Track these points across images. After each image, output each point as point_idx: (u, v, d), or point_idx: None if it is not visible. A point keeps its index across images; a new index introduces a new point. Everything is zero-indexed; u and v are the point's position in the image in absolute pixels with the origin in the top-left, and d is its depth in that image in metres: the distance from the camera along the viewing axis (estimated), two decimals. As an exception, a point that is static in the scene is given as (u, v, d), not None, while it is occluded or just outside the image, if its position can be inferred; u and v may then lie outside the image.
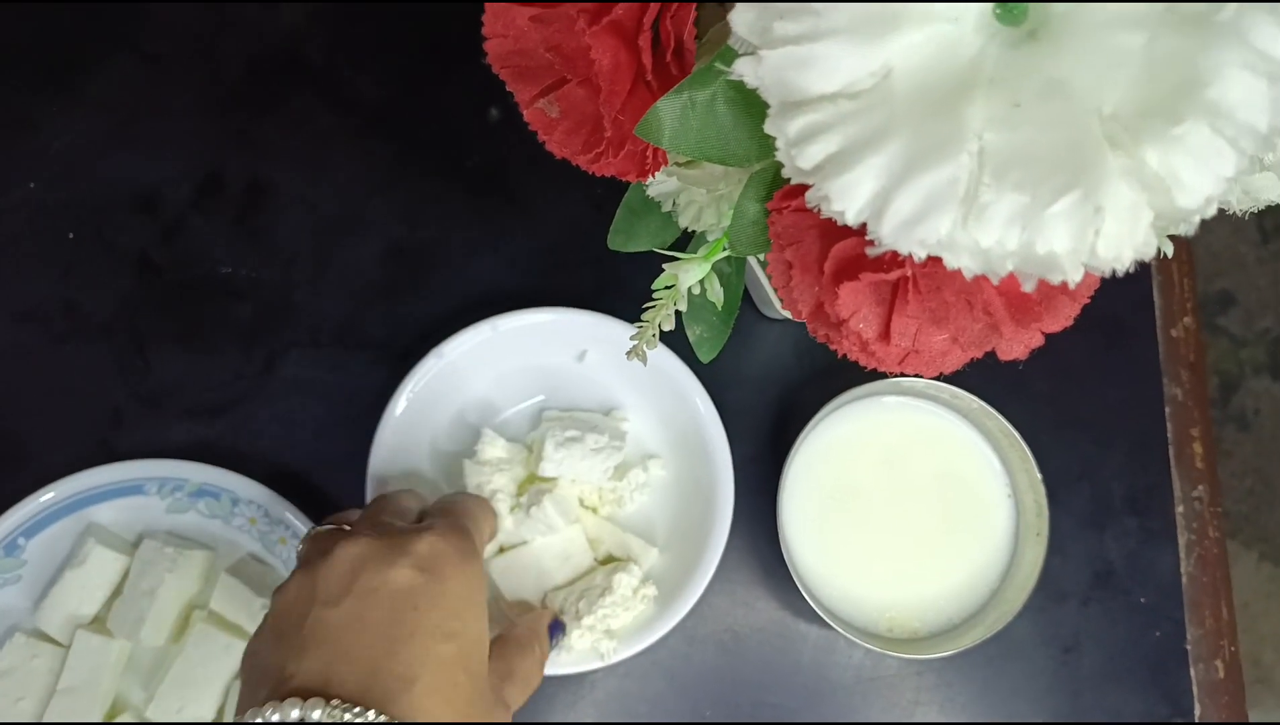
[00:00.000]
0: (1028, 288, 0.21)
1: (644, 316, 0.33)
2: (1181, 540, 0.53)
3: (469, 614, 0.34)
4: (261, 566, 0.50)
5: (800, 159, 0.21)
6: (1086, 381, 0.54)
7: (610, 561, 0.51)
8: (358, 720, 0.29)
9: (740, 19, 0.21)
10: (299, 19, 0.57)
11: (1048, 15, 0.21)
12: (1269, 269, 1.24)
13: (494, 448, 0.50)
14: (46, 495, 0.49)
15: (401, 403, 0.49)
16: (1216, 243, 1.25)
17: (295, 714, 0.29)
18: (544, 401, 0.53)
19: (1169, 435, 0.54)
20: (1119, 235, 0.20)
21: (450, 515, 0.39)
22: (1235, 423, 1.22)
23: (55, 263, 0.54)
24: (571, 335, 0.51)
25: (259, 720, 0.29)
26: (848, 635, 0.47)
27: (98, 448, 0.52)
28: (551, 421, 0.51)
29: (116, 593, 0.49)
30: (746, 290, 0.53)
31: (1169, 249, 0.29)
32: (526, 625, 0.43)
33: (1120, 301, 0.54)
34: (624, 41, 0.27)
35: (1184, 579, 0.52)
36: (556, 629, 0.45)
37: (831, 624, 0.47)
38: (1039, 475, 0.49)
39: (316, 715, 0.29)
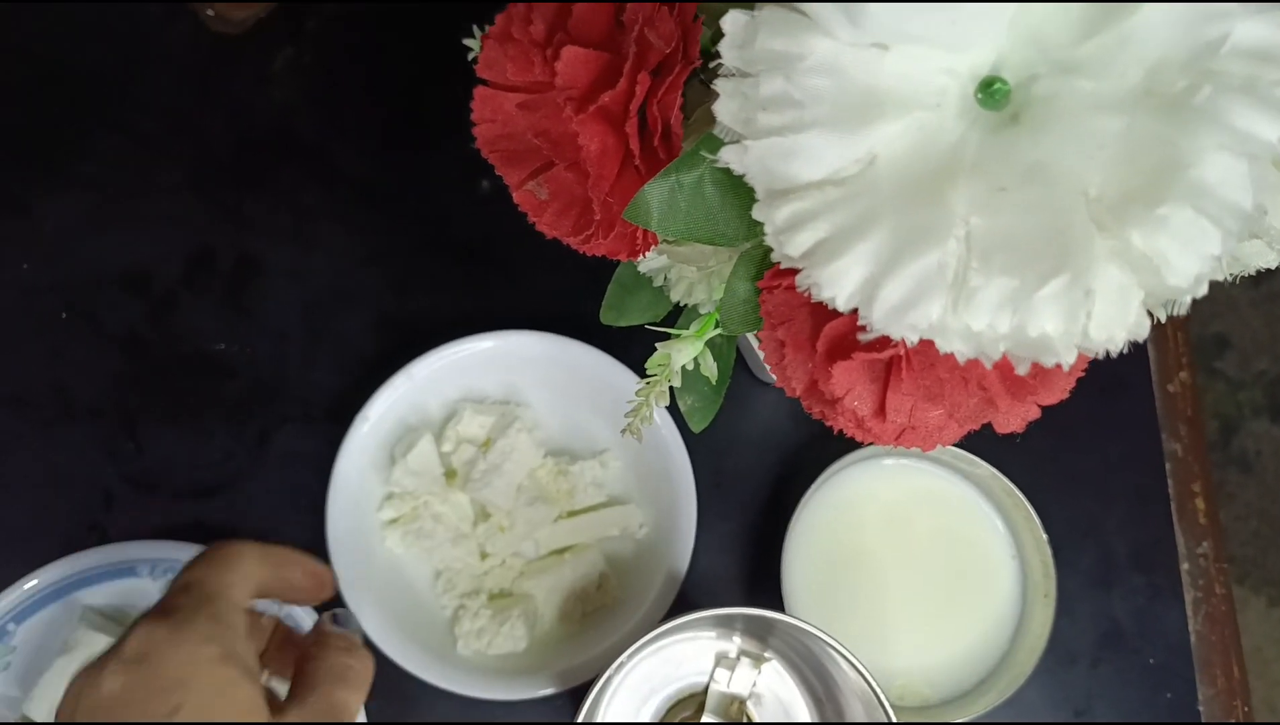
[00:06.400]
0: (1021, 370, 0.21)
1: (638, 393, 0.32)
2: (1188, 598, 0.52)
3: (194, 674, 0.33)
4: (255, 649, 0.49)
5: (789, 246, 0.21)
6: (1085, 438, 0.54)
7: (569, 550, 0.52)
8: None
9: (724, 109, 0.22)
10: (288, 95, 0.57)
11: (1029, 99, 0.22)
12: (1262, 311, 1.25)
13: (470, 424, 0.51)
14: (31, 582, 0.48)
15: (347, 462, 0.49)
16: (1211, 286, 1.25)
17: None
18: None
19: (1170, 491, 0.53)
20: (1110, 317, 0.20)
21: (182, 585, 0.37)
22: (1237, 465, 1.22)
23: (45, 344, 0.54)
24: (507, 362, 0.52)
25: None
26: (855, 706, 0.46)
27: (88, 531, 0.51)
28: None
29: (107, 680, 0.48)
30: (740, 355, 0.53)
31: (1162, 316, 0.29)
32: (313, 638, 0.39)
33: (1115, 357, 0.54)
34: (611, 126, 0.28)
35: (1193, 638, 0.52)
36: (340, 621, 0.40)
37: (838, 695, 0.46)
38: (1044, 535, 0.48)
39: None
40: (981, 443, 0.47)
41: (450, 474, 0.52)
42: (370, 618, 0.47)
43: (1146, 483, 0.53)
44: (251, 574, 0.37)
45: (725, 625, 0.48)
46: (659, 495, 0.50)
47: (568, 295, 0.55)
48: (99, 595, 0.49)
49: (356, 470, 0.50)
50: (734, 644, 0.48)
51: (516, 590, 0.51)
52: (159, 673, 0.33)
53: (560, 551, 0.51)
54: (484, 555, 0.51)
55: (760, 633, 0.47)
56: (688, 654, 0.49)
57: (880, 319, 0.21)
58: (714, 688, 0.48)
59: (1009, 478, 0.48)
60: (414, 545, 0.50)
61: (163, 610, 0.35)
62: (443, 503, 0.51)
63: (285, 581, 0.39)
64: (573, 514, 0.52)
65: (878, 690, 0.41)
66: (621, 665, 0.43)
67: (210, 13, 0.57)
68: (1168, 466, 0.53)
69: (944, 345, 0.20)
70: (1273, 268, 0.32)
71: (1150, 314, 0.22)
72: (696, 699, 0.49)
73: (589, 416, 0.53)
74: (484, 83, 0.30)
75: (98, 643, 0.48)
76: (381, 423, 0.50)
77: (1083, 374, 0.27)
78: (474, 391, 0.53)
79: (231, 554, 0.37)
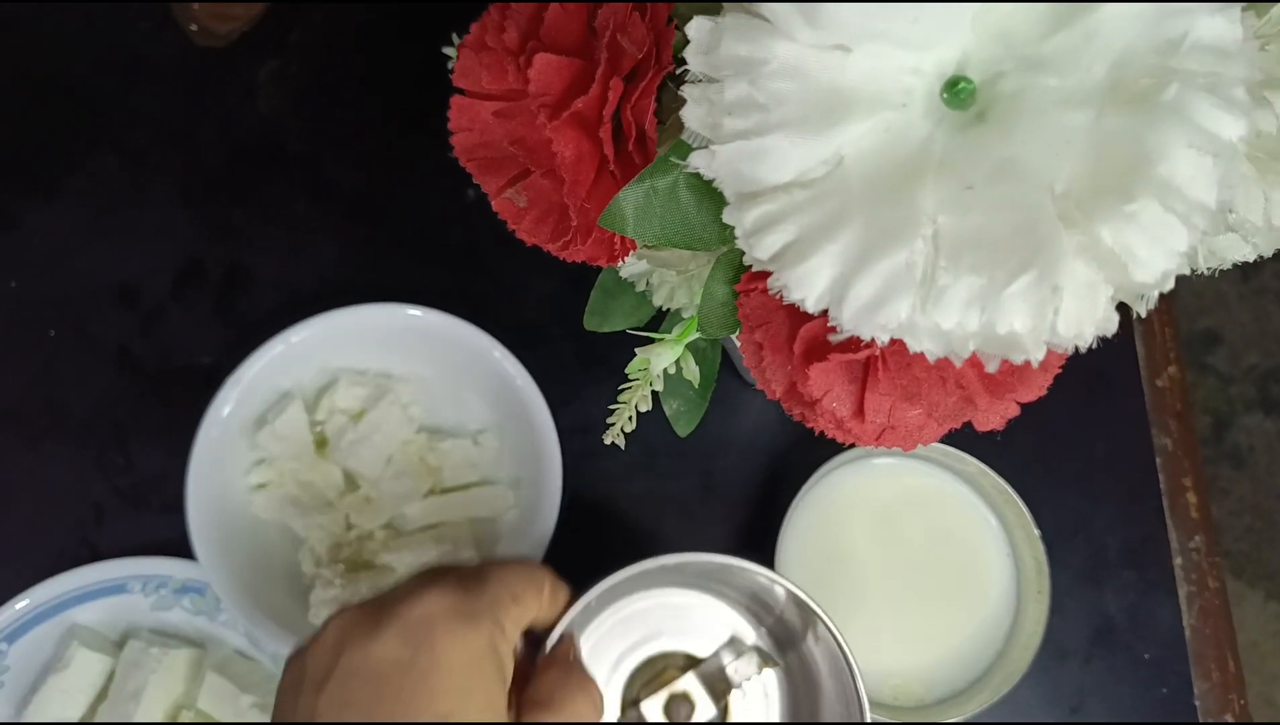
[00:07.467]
0: (991, 368, 0.21)
1: (620, 398, 0.33)
2: (1181, 592, 0.52)
3: (470, 688, 0.31)
4: (248, 663, 0.49)
5: (758, 249, 0.21)
6: (1073, 435, 0.54)
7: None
8: None
9: (692, 114, 0.22)
10: (275, 106, 0.57)
11: (995, 96, 0.22)
12: (1250, 306, 1.25)
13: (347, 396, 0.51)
14: (22, 603, 0.48)
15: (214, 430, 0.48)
16: (1198, 281, 1.25)
17: None
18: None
19: (1161, 486, 0.53)
20: (1078, 313, 0.20)
21: (470, 572, 0.35)
22: (1230, 460, 1.22)
23: (35, 359, 0.54)
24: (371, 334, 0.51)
25: None
26: (848, 707, 0.46)
27: (79, 546, 0.51)
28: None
29: (101, 696, 0.48)
30: (728, 358, 0.53)
31: (1142, 309, 0.29)
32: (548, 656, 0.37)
33: (1102, 353, 0.54)
34: (585, 133, 0.28)
35: (1187, 632, 0.52)
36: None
37: (831, 696, 0.46)
38: (1036, 532, 0.48)
39: None
40: (971, 441, 0.47)
41: (321, 443, 0.51)
42: (223, 580, 0.46)
43: (1137, 478, 0.53)
44: (540, 604, 0.36)
45: (720, 594, 0.46)
46: (530, 478, 0.50)
47: (554, 300, 0.55)
48: (90, 613, 0.49)
49: (224, 433, 0.49)
50: (754, 635, 0.48)
51: (379, 563, 0.50)
52: (437, 667, 0.30)
53: (429, 528, 0.51)
54: (350, 526, 0.51)
55: (752, 605, 0.46)
56: (680, 611, 0.47)
57: (850, 319, 0.21)
58: (716, 660, 0.47)
59: (999, 475, 0.48)
60: (279, 511, 0.50)
61: (443, 585, 0.33)
62: (311, 470, 0.50)
63: (547, 620, 0.38)
64: (445, 491, 0.52)
65: (849, 656, 0.41)
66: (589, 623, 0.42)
67: (194, 27, 0.57)
68: (1158, 461, 0.53)
69: (914, 344, 0.21)
70: (1251, 260, 0.32)
71: (1132, 309, 0.22)
72: (669, 659, 0.47)
73: (471, 396, 0.52)
74: (461, 91, 0.31)
75: (90, 660, 0.48)
76: (254, 387, 0.49)
77: (1060, 370, 0.27)
78: (354, 363, 0.52)
79: (542, 581, 0.36)
